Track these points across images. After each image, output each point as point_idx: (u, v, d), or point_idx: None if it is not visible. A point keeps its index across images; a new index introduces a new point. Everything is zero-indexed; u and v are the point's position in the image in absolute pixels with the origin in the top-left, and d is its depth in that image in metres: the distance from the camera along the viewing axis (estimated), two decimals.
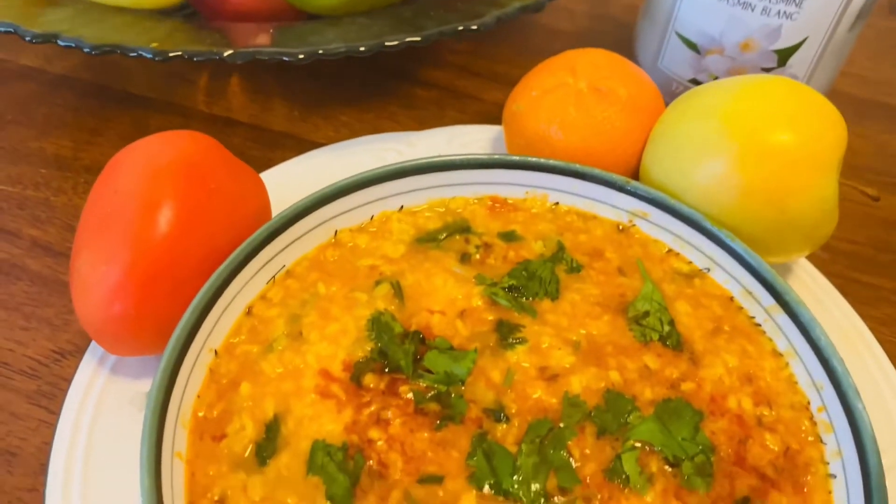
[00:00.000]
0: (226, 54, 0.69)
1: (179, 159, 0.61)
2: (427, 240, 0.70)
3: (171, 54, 0.69)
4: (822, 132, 0.65)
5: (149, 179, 0.60)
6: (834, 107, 0.67)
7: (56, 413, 0.66)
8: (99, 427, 0.62)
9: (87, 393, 0.64)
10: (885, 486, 0.52)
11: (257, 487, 0.54)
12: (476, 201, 0.73)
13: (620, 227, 0.72)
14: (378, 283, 0.66)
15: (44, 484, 0.61)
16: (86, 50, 0.70)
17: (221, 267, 0.60)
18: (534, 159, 0.71)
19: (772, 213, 0.66)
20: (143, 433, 0.52)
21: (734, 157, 0.65)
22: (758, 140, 0.65)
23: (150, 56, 0.68)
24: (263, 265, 0.64)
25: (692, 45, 0.87)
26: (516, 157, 0.71)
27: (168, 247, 0.59)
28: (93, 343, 0.67)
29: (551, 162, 0.71)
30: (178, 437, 0.55)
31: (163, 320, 0.59)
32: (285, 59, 0.69)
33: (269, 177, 0.79)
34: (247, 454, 0.56)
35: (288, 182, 0.79)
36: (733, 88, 0.69)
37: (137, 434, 0.54)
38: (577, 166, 0.70)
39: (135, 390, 0.65)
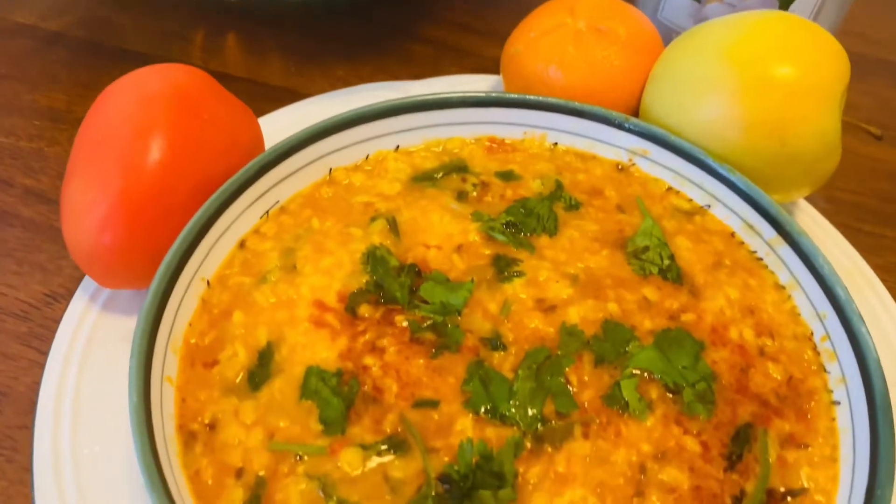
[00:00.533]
0: None
1: (172, 88, 0.60)
2: (423, 178, 0.69)
3: None
4: (823, 63, 0.64)
5: (141, 107, 0.59)
6: (835, 40, 0.66)
7: (47, 354, 0.65)
8: (89, 363, 0.61)
9: (78, 329, 0.63)
10: (890, 408, 0.51)
11: (249, 412, 0.53)
12: (473, 142, 0.72)
13: (620, 167, 0.71)
14: (373, 219, 0.65)
15: (33, 420, 0.60)
16: None
17: (213, 196, 0.60)
18: (532, 97, 0.70)
19: (773, 146, 0.64)
20: (131, 354, 0.51)
21: (734, 89, 0.64)
22: (758, 72, 0.64)
23: None
24: (257, 199, 0.63)
25: None
26: (514, 95, 0.70)
27: (160, 173, 0.58)
28: (84, 280, 0.66)
29: (550, 100, 0.70)
30: (168, 363, 0.54)
31: (154, 249, 0.58)
32: None
33: (264, 123, 0.78)
34: (238, 380, 0.55)
35: (281, 128, 0.77)
36: (734, 23, 0.68)
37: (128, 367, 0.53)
38: (576, 104, 0.69)
39: (126, 328, 0.63)
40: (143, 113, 0.59)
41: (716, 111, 0.65)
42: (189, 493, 0.49)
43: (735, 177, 0.64)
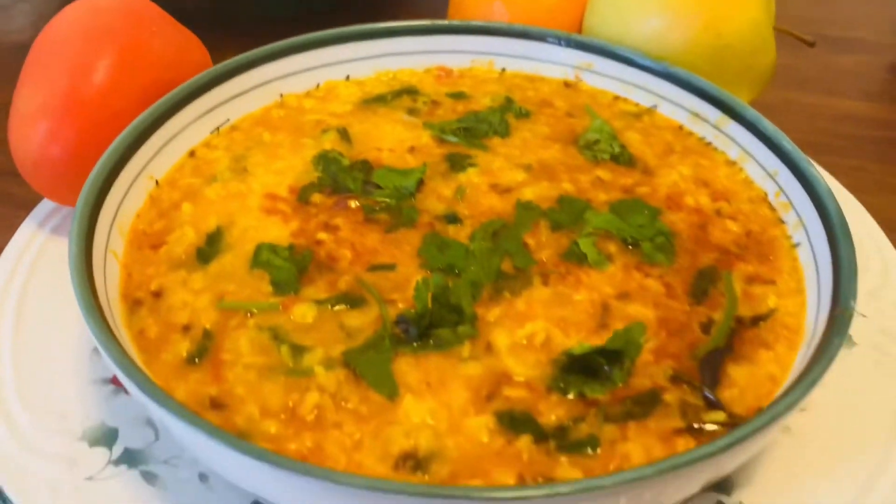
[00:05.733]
0: None
1: (123, 3, 0.62)
2: (374, 100, 0.70)
3: None
4: None
5: (91, 16, 0.60)
6: None
7: None
8: (36, 274, 0.59)
9: (26, 249, 0.61)
10: (846, 223, 0.51)
11: (197, 281, 0.52)
12: (423, 71, 0.73)
13: (567, 84, 0.72)
14: (325, 131, 0.65)
15: None
16: None
17: (162, 100, 0.60)
18: (477, 23, 0.72)
19: (710, 39, 0.67)
20: (73, 217, 0.50)
21: None
22: None
23: None
24: (206, 111, 0.63)
25: None
26: (460, 22, 0.72)
27: (109, 74, 0.58)
28: (34, 210, 0.65)
29: (494, 24, 0.72)
30: (113, 239, 0.53)
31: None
32: None
33: None
34: (186, 256, 0.54)
35: None
36: None
37: None
38: (520, 26, 0.72)
39: None
40: (93, 21, 0.60)
41: (653, 16, 0.68)
42: (133, 349, 0.47)
43: (675, 70, 0.66)
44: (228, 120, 0.66)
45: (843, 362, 0.55)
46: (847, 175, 0.76)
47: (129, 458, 0.48)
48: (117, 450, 0.49)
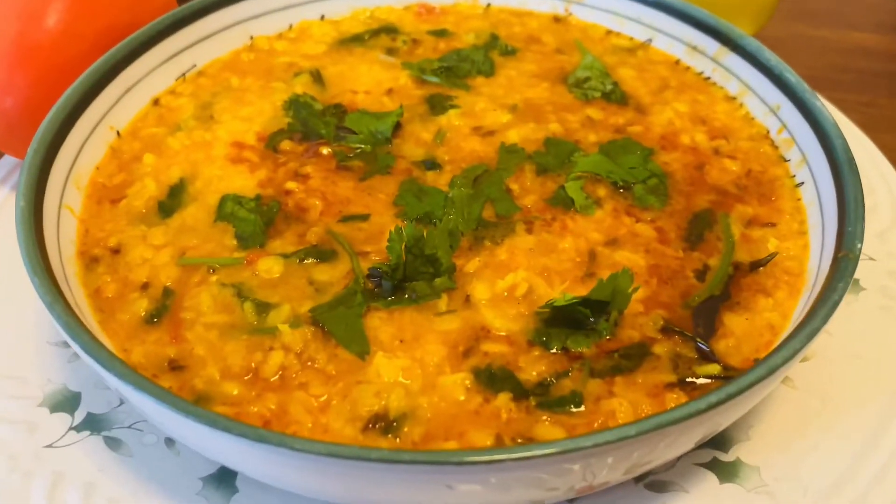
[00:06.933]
0: None
1: None
2: (350, 40, 0.65)
3: None
4: None
5: None
6: None
7: None
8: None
9: None
10: (853, 160, 0.47)
11: (158, 236, 0.49)
12: (403, 9, 0.69)
13: (556, 18, 0.68)
14: (297, 74, 0.61)
15: None
16: None
17: (120, 45, 0.56)
18: None
19: None
20: (21, 174, 0.46)
21: None
22: None
23: None
24: (171, 56, 0.60)
25: None
26: None
27: (60, 17, 0.55)
28: None
29: None
30: (69, 193, 0.49)
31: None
32: None
33: None
34: (146, 210, 0.50)
35: None
36: None
37: None
38: None
39: None
40: None
41: None
42: (88, 308, 0.44)
43: (671, 0, 0.62)
44: (195, 65, 0.62)
45: (850, 308, 0.52)
46: (858, 111, 0.72)
47: (92, 424, 0.46)
48: (79, 415, 0.46)
